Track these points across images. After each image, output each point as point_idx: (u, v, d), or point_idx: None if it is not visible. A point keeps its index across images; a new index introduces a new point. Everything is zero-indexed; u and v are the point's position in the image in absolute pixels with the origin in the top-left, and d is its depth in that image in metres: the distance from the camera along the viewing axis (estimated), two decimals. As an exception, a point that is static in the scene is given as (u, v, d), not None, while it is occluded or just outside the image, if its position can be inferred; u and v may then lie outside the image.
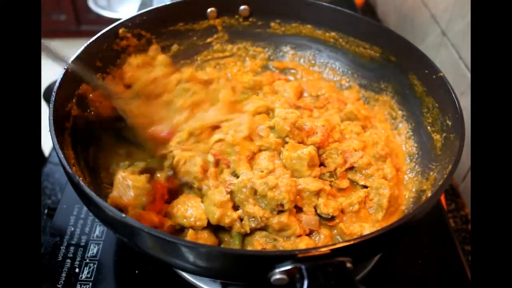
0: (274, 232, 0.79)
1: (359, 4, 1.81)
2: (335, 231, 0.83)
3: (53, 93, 0.80)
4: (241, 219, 0.79)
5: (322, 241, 0.81)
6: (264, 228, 0.79)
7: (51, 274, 0.85)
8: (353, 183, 0.92)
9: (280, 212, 0.79)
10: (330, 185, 0.88)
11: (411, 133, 1.01)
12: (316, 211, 0.83)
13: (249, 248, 0.77)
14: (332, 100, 1.09)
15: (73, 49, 0.89)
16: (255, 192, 0.79)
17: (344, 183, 0.89)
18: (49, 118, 0.76)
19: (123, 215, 0.63)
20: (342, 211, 0.85)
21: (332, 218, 0.83)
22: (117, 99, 0.91)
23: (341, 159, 0.90)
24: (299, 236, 0.79)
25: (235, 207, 0.80)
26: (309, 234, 0.81)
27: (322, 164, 0.91)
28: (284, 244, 0.78)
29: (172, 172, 0.86)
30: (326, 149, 0.91)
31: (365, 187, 0.90)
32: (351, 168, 0.91)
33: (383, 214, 0.84)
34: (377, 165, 0.92)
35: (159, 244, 0.64)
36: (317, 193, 0.83)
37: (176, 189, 0.86)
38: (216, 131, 0.93)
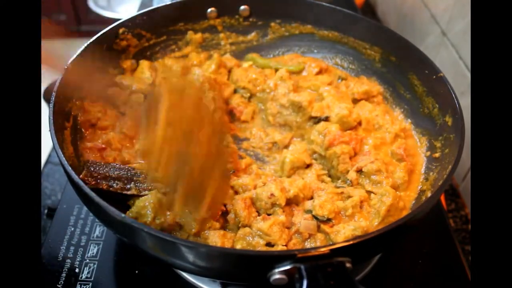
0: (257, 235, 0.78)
1: (359, 4, 1.81)
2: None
3: (53, 93, 0.80)
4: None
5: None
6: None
7: (51, 274, 0.85)
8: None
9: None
10: (342, 192, 0.86)
11: (411, 133, 1.01)
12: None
13: (238, 246, 0.77)
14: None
15: (73, 49, 0.89)
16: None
17: (356, 193, 0.85)
18: (49, 118, 0.76)
19: (123, 215, 0.63)
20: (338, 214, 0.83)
21: (328, 220, 0.81)
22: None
23: (344, 163, 0.90)
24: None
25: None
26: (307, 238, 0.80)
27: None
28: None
29: None
30: (336, 148, 0.91)
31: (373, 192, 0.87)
32: (359, 171, 0.89)
33: (379, 221, 0.81)
34: (388, 170, 0.89)
35: (159, 244, 0.64)
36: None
37: None
38: None
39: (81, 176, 0.78)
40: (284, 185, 0.84)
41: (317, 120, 1.00)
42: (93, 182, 0.78)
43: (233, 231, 0.80)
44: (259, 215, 0.81)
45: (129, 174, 0.81)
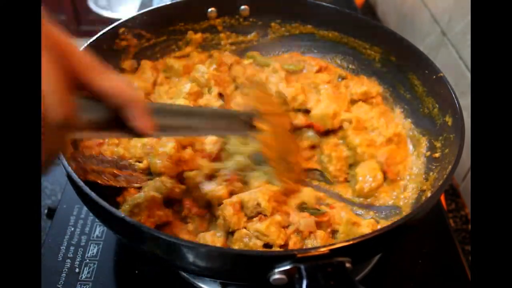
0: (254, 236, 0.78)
1: (359, 4, 1.81)
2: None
3: (53, 93, 0.80)
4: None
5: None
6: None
7: (51, 274, 0.85)
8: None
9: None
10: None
11: (411, 133, 1.01)
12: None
13: (235, 246, 0.77)
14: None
15: (73, 49, 0.89)
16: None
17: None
18: (49, 118, 0.76)
19: (123, 215, 0.63)
20: None
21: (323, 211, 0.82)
22: None
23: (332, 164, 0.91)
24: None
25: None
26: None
27: None
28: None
29: None
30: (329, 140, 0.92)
31: None
32: None
33: None
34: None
35: (159, 244, 0.64)
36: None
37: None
38: None
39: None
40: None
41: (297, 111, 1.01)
42: (82, 175, 0.77)
43: (221, 236, 0.80)
44: (248, 219, 0.80)
45: (117, 165, 0.81)
